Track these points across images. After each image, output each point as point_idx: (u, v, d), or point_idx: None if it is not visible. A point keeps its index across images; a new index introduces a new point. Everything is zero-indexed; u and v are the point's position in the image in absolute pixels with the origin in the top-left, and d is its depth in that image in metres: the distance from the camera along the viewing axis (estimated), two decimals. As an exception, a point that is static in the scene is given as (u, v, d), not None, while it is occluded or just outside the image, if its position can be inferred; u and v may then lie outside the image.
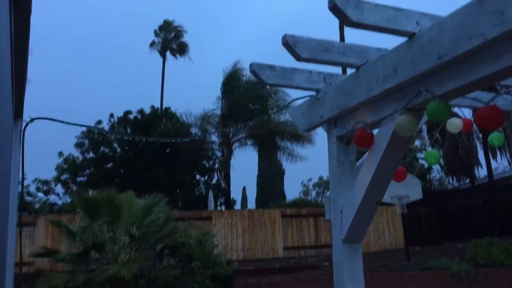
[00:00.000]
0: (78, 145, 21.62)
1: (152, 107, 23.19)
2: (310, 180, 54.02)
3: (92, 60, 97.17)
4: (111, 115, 22.17)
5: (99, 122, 21.93)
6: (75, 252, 7.54)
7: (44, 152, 27.92)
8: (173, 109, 22.65)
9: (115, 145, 21.45)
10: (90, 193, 10.06)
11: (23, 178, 4.16)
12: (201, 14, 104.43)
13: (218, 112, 21.41)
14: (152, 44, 35.39)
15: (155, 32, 35.28)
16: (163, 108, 24.45)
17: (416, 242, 16.05)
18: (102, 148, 21.41)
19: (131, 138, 20.73)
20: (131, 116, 21.93)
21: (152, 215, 8.13)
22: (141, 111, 22.03)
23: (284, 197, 30.09)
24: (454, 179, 22.06)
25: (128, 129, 21.53)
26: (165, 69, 34.76)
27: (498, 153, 20.68)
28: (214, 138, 21.78)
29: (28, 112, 3.89)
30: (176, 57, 35.42)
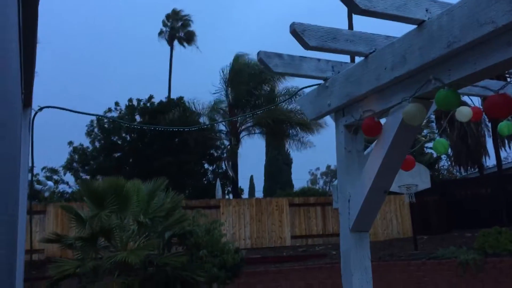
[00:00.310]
0: (88, 133, 21.73)
1: (168, 97, 23.20)
2: (317, 169, 54.22)
3: (102, 49, 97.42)
4: (117, 104, 22.22)
5: (109, 110, 21.96)
6: (84, 236, 7.63)
7: (53, 140, 28.15)
8: (179, 97, 22.61)
9: (124, 134, 21.50)
10: (98, 180, 10.07)
11: (32, 167, 4.19)
12: (210, 2, 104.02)
13: (225, 100, 21.40)
14: (160, 33, 35.45)
15: (163, 21, 35.29)
16: (173, 97, 24.37)
17: (424, 231, 16.02)
18: (111, 137, 21.49)
19: (139, 127, 20.71)
20: (141, 104, 21.93)
21: (155, 199, 8.20)
22: (150, 99, 22.00)
23: (291, 186, 30.14)
24: (462, 168, 21.91)
25: (137, 117, 21.57)
26: (172, 58, 34.83)
27: (507, 142, 20.48)
28: (222, 127, 21.82)
29: (38, 101, 3.91)
30: (184, 46, 35.44)
